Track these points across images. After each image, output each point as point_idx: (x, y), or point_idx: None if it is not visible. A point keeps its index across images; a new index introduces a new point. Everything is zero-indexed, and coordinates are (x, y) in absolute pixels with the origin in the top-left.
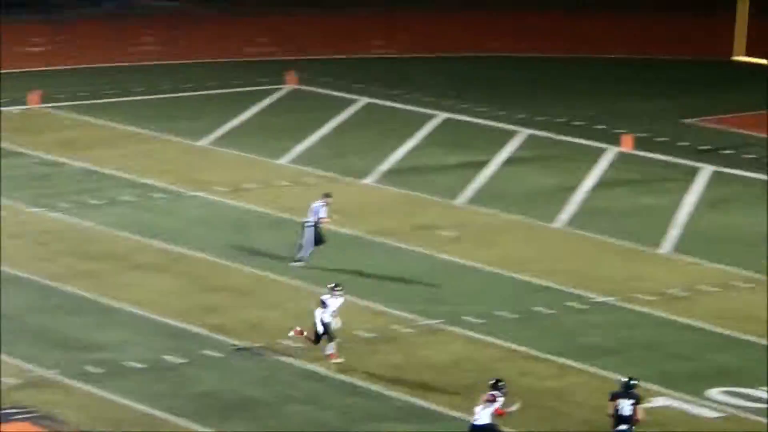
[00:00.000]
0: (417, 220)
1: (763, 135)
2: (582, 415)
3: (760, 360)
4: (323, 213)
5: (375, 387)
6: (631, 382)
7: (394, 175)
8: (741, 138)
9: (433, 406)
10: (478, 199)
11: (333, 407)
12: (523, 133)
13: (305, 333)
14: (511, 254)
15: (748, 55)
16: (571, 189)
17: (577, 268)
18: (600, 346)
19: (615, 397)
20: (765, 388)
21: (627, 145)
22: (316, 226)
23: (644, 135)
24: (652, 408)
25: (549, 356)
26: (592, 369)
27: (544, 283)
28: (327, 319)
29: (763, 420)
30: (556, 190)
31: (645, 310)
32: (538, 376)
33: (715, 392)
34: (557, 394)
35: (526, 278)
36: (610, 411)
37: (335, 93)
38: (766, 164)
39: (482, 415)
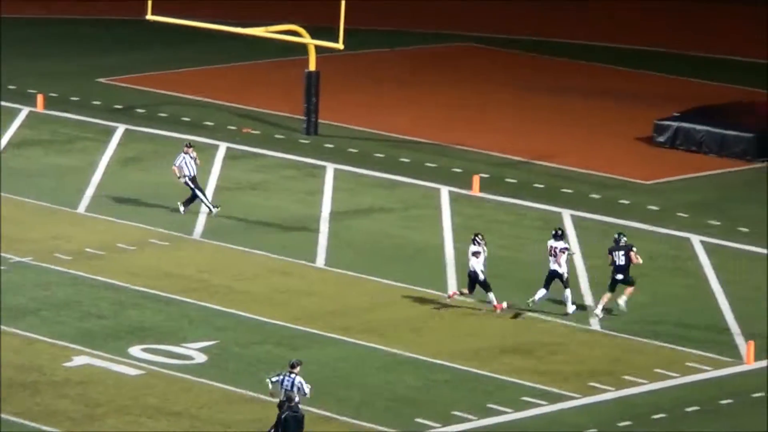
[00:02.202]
0: None
1: (176, 93)
2: (5, 374)
3: (178, 317)
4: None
5: None
6: (621, 236)
7: None
8: (154, 96)
9: None
10: None
11: None
12: None
13: (458, 291)
14: None
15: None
16: None
17: None
18: (19, 306)
19: (611, 251)
20: (185, 345)
21: (40, 105)
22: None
23: (58, 95)
24: (73, 367)
25: None
26: (12, 329)
27: None
28: (481, 266)
29: (184, 376)
30: None
31: (63, 269)
32: None
33: (136, 350)
34: None
35: None
36: (609, 262)
37: None
38: (178, 122)
39: None
